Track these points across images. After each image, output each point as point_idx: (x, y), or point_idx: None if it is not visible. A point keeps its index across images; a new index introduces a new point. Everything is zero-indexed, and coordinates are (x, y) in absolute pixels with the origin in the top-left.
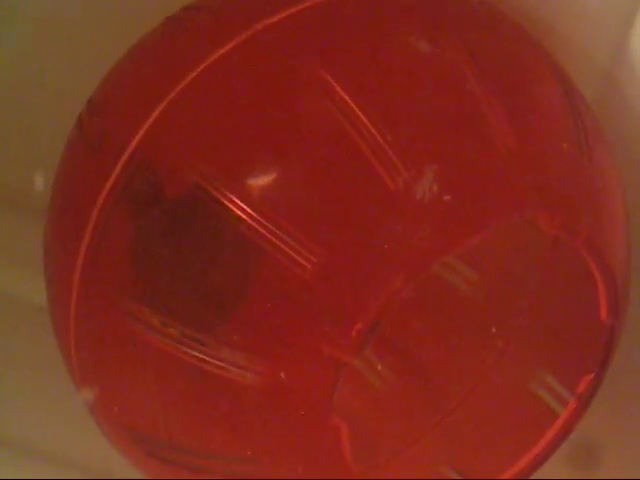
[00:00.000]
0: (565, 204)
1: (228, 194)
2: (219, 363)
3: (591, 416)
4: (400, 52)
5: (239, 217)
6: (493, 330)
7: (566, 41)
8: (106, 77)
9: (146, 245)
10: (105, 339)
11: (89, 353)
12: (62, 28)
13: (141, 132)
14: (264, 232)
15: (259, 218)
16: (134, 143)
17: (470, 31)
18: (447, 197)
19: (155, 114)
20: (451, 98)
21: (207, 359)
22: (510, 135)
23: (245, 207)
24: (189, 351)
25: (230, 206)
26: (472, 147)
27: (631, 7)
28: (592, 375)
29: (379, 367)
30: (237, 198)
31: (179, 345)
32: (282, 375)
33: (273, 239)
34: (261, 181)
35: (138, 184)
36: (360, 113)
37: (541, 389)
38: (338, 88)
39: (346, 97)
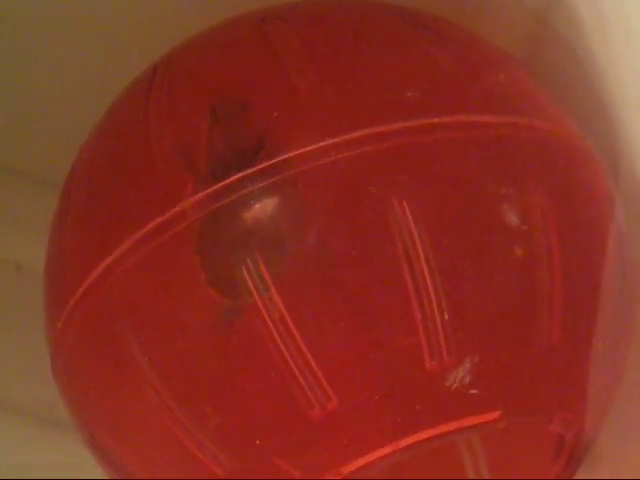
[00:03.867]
0: (581, 408)
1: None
2: (197, 441)
3: None
4: (489, 222)
5: (272, 335)
6: None
7: None
8: None
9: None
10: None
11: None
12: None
13: None
14: (292, 364)
15: (294, 349)
16: None
17: (560, 205)
18: (474, 391)
19: None
20: (520, 288)
21: (189, 435)
22: (558, 332)
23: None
24: (175, 419)
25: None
26: (517, 343)
27: None
28: None
29: None
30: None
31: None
32: None
33: (297, 372)
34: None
35: None
36: (427, 271)
37: None
38: (415, 232)
39: (419, 248)
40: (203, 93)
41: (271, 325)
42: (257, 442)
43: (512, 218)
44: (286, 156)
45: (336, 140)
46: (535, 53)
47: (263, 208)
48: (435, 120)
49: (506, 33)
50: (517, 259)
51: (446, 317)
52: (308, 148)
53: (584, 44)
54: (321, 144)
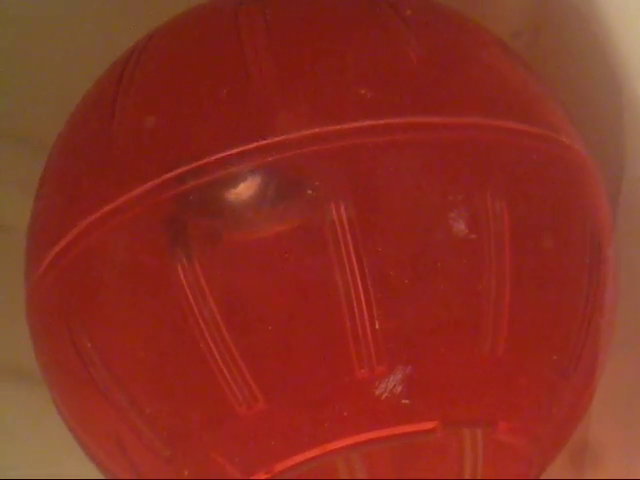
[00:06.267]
0: (529, 417)
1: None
2: (135, 427)
3: (591, 416)
4: (432, 229)
5: (202, 332)
6: None
7: None
8: None
9: None
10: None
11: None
12: None
13: None
14: (220, 362)
15: (223, 348)
16: None
17: (519, 215)
18: (406, 401)
19: None
20: (462, 299)
21: (127, 420)
22: (504, 343)
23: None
24: (114, 403)
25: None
26: (456, 354)
27: None
28: None
29: None
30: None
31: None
32: (185, 473)
33: (225, 371)
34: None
35: None
36: (359, 278)
37: None
38: (350, 238)
39: (352, 254)
40: (167, 84)
41: (201, 322)
42: (190, 434)
43: (459, 226)
44: (225, 154)
45: (277, 140)
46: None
47: (199, 204)
48: (383, 121)
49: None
50: (461, 269)
51: (377, 326)
52: (247, 147)
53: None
54: (262, 142)
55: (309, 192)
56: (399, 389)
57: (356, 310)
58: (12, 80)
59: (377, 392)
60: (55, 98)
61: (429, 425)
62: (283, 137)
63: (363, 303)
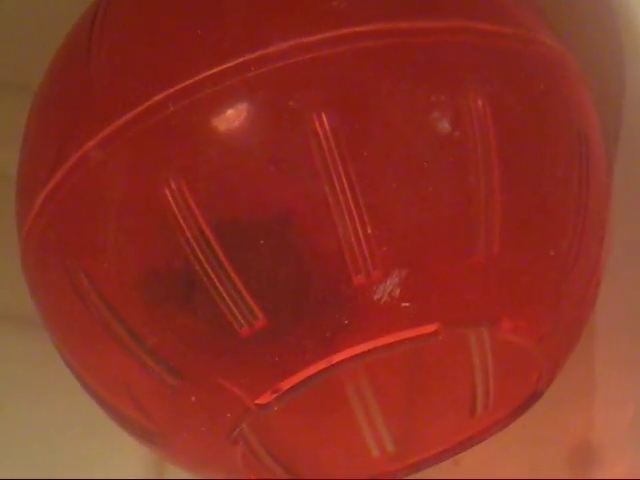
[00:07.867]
0: (531, 315)
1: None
2: (139, 359)
3: (591, 416)
4: (415, 130)
5: (196, 254)
6: None
7: None
8: None
9: None
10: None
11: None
12: None
13: None
14: (216, 282)
15: (217, 266)
16: None
17: (502, 111)
18: (406, 304)
19: None
20: (451, 198)
21: (130, 353)
22: (498, 241)
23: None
24: (116, 337)
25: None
26: (451, 254)
27: None
28: None
29: None
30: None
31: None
32: (193, 398)
33: (222, 291)
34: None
35: None
36: (347, 185)
37: None
38: (334, 145)
39: (338, 162)
40: (140, 15)
41: (194, 244)
42: (194, 361)
43: (442, 125)
44: (204, 75)
45: (253, 55)
46: None
47: (181, 127)
48: (357, 29)
49: None
50: (447, 167)
51: (369, 231)
52: (225, 66)
53: None
54: (239, 60)
55: (290, 104)
56: (397, 292)
57: (347, 217)
58: None
59: (376, 297)
60: (39, 43)
61: (431, 328)
62: (260, 52)
63: (353, 209)
